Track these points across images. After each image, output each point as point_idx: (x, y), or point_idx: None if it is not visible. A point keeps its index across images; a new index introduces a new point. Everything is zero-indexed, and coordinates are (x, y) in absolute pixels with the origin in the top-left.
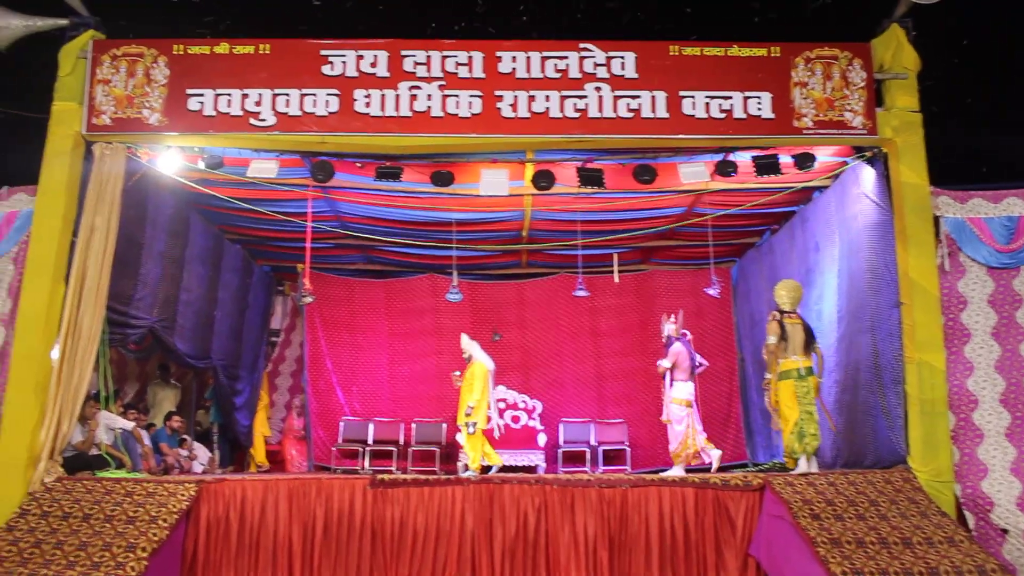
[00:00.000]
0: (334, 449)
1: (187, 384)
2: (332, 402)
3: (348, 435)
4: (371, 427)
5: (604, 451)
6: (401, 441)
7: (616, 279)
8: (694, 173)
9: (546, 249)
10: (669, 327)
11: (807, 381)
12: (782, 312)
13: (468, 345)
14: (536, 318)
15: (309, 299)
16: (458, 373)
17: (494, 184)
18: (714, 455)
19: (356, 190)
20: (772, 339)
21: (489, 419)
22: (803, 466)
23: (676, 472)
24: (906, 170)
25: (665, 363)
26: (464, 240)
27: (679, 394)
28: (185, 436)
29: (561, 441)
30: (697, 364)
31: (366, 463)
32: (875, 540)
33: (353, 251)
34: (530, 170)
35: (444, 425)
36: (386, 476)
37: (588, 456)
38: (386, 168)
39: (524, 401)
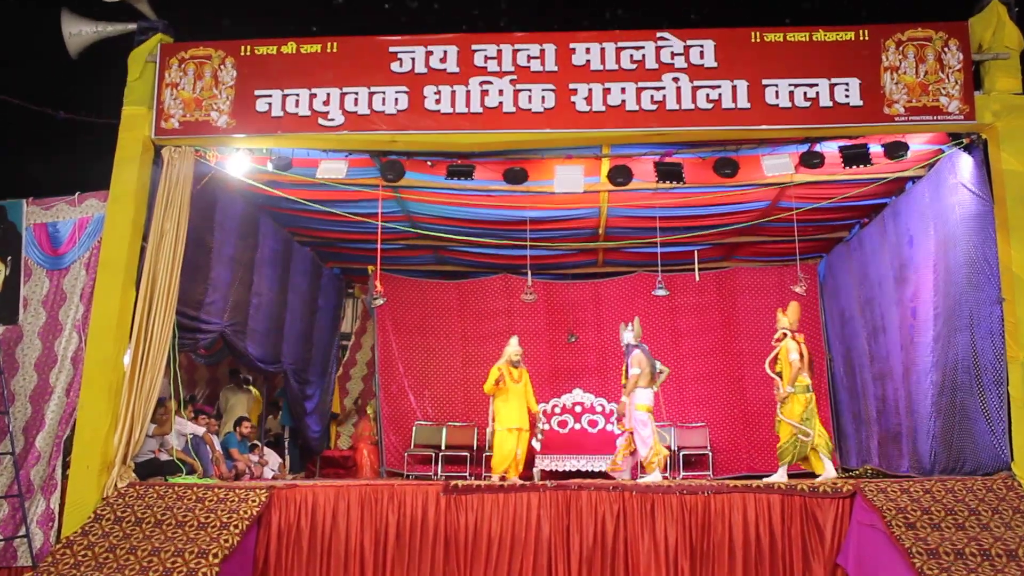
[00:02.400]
0: (407, 455)
1: (258, 388)
2: (404, 406)
3: (420, 440)
4: (444, 432)
5: (685, 456)
6: (475, 447)
7: (697, 277)
8: (778, 165)
9: (623, 247)
10: (628, 335)
11: (811, 396)
12: (791, 332)
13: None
14: (613, 318)
15: (380, 301)
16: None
17: (569, 181)
18: (653, 476)
19: (427, 189)
20: (797, 356)
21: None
22: (829, 468)
23: (653, 478)
24: (1008, 157)
25: (636, 370)
26: (538, 239)
27: (642, 400)
28: (256, 441)
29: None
30: (657, 371)
31: (439, 469)
32: (976, 552)
33: (424, 252)
34: (606, 165)
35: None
36: (459, 482)
37: (668, 461)
38: (457, 166)
39: (601, 405)
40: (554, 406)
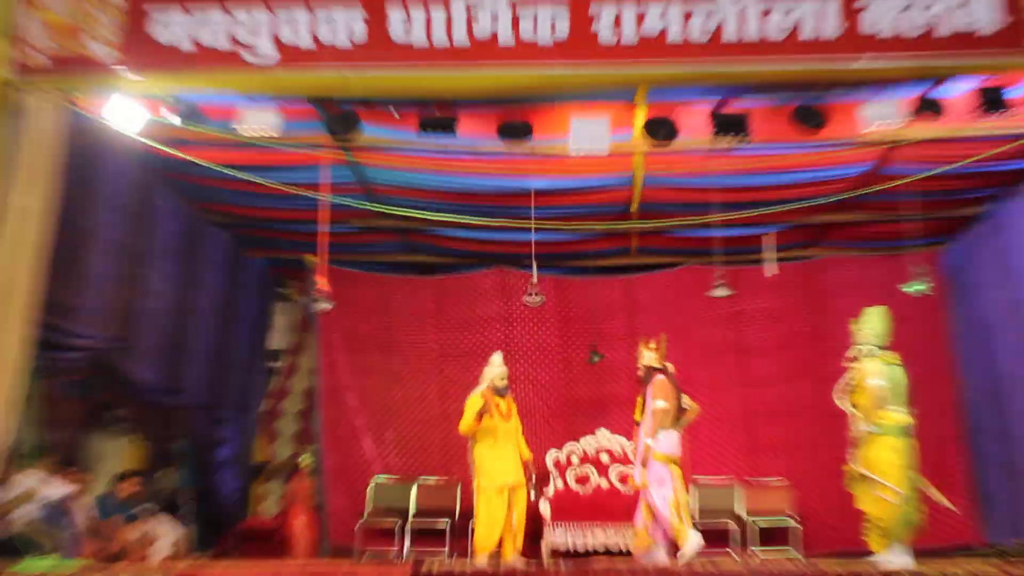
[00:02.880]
0: (360, 525)
1: (147, 431)
2: (357, 455)
3: (380, 503)
4: (414, 492)
5: (759, 526)
6: (457, 512)
7: (771, 271)
8: (881, 115)
9: (666, 229)
10: (649, 355)
11: (911, 442)
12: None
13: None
14: (652, 329)
15: (326, 306)
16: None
17: (589, 136)
18: (690, 542)
19: (392, 150)
20: (880, 381)
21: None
22: (897, 559)
23: (694, 546)
24: None
25: (662, 403)
26: (547, 218)
27: (666, 448)
28: (145, 505)
29: (695, 511)
30: (683, 407)
31: (406, 545)
32: None
33: (388, 236)
34: (641, 116)
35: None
36: (435, 564)
37: (734, 533)
38: (434, 118)
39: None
40: (570, 454)
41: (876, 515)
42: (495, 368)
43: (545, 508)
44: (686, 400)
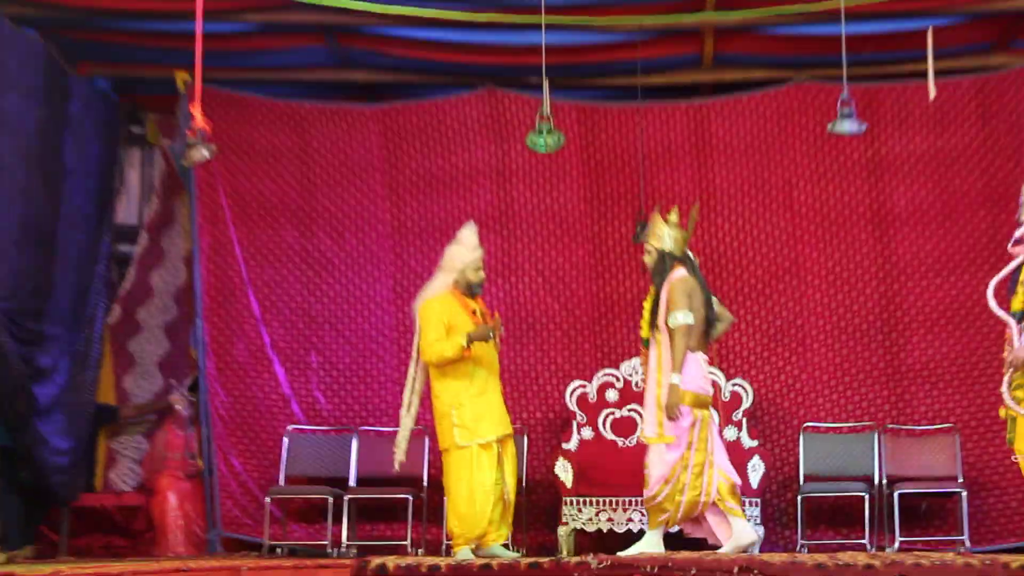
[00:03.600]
0: (269, 501)
1: None
2: (261, 393)
3: (301, 466)
4: (355, 448)
5: (904, 500)
6: (426, 478)
7: (932, 91)
8: None
9: (760, 25)
10: (667, 234)
11: None
12: None
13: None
14: (736, 185)
15: (206, 153)
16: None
17: None
18: (738, 530)
19: None
20: None
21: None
22: None
23: (650, 543)
24: None
25: (683, 315)
26: (567, 7)
27: (691, 380)
28: None
29: (801, 477)
30: (712, 317)
31: (345, 533)
32: None
33: (307, 39)
34: None
35: (525, 439)
36: (392, 563)
37: (867, 510)
38: None
39: (713, 380)
40: (604, 387)
41: None
42: (466, 250)
43: (564, 470)
44: (716, 305)
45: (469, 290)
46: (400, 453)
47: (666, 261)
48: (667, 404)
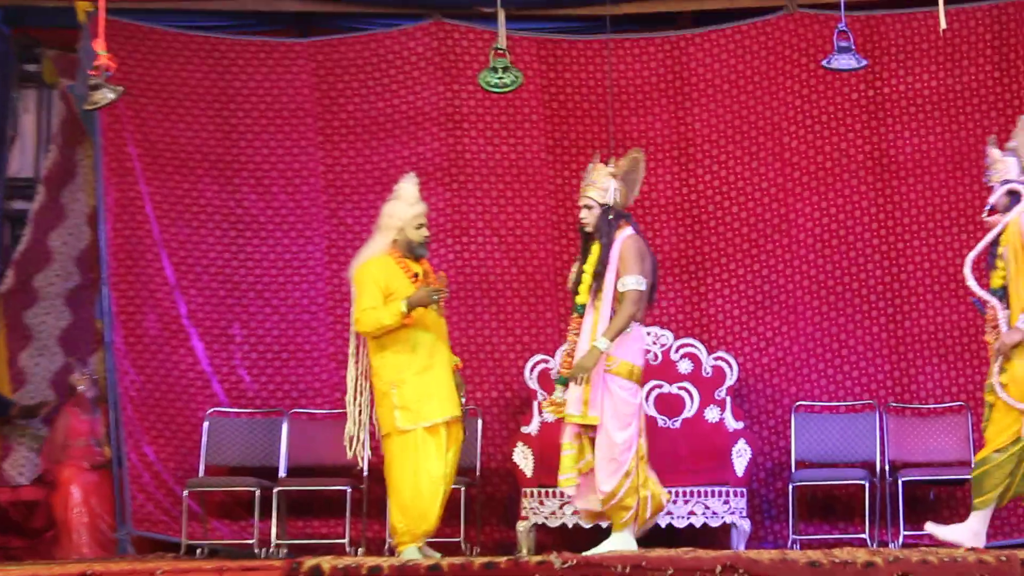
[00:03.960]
0: (187, 495)
1: None
2: (177, 371)
3: (223, 455)
4: (285, 433)
5: (910, 488)
6: (366, 468)
7: (943, 21)
8: None
9: None
10: (603, 185)
11: None
12: None
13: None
14: (718, 130)
15: (110, 95)
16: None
17: None
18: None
19: None
20: None
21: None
22: (973, 526)
23: (620, 543)
24: None
25: (634, 280)
26: None
27: (628, 354)
28: None
29: (793, 463)
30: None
31: (273, 529)
32: None
33: None
34: None
35: (479, 421)
36: (327, 564)
37: (867, 500)
38: None
39: (692, 353)
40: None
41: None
42: (405, 205)
43: (523, 457)
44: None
45: (411, 251)
46: (350, 450)
47: (611, 217)
48: (577, 364)
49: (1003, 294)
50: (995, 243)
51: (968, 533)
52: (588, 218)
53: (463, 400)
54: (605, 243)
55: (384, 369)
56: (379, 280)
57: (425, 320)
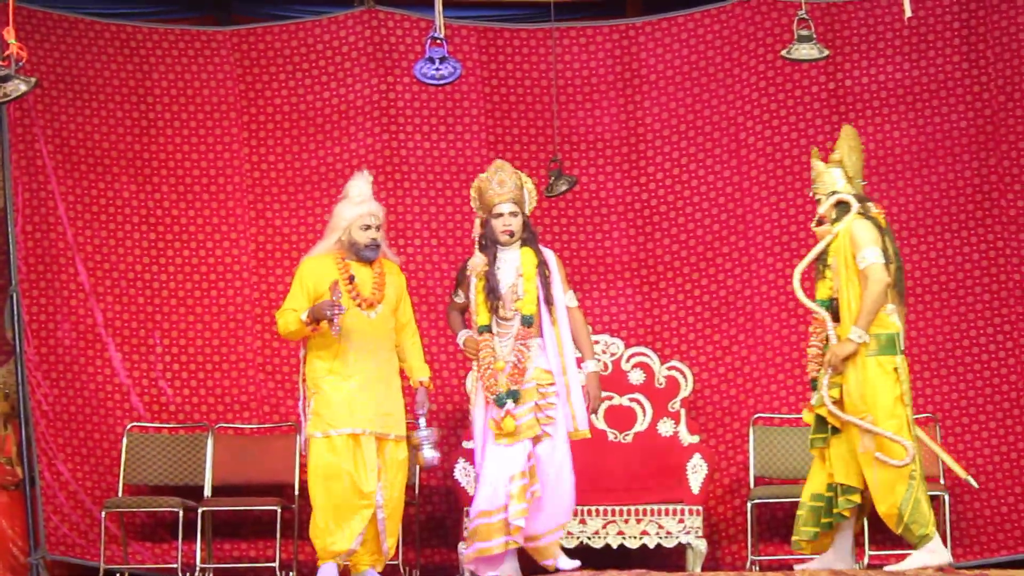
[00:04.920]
0: (104, 515)
1: None
2: (95, 382)
3: (144, 473)
4: (210, 449)
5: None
6: (296, 487)
7: (908, 9)
8: None
9: None
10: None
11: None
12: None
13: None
14: (670, 124)
15: (21, 87)
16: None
17: None
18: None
19: None
20: (874, 255)
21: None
22: (918, 562)
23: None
24: None
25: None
26: None
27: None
28: None
29: (752, 479)
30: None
31: (200, 553)
32: None
33: None
34: None
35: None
36: None
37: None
38: None
39: (644, 363)
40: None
41: (880, 492)
42: (350, 204)
43: (465, 474)
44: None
45: (356, 253)
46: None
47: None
48: (595, 396)
49: (830, 306)
50: (824, 254)
51: (929, 553)
52: (515, 225)
53: (422, 418)
54: (537, 249)
55: (309, 374)
56: (308, 280)
57: (353, 328)
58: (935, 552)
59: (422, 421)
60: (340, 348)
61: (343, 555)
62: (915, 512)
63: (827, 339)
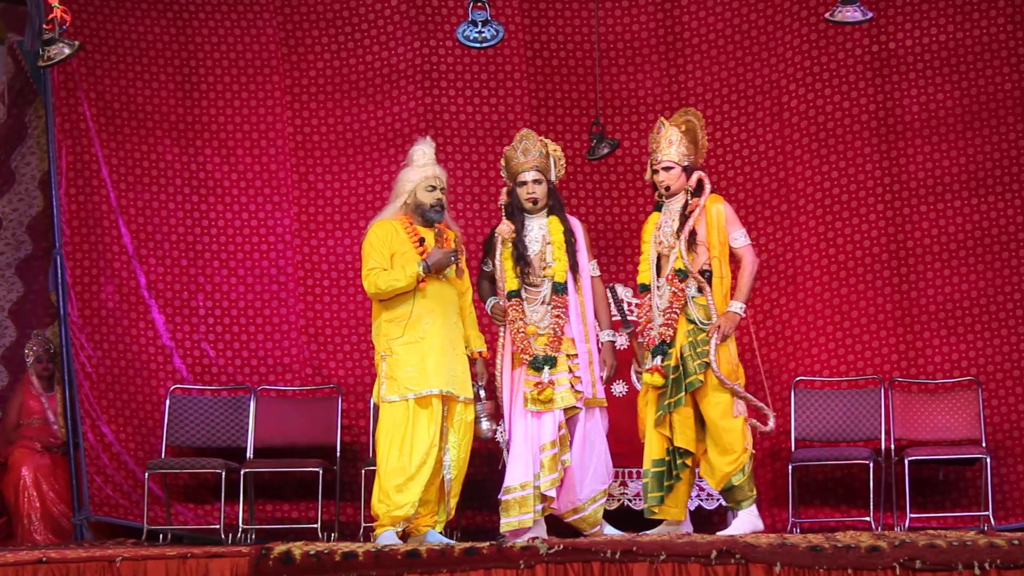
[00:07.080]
0: (148, 477)
1: None
2: (136, 344)
3: (187, 434)
4: (252, 412)
5: (917, 468)
6: (339, 449)
7: None
8: None
9: None
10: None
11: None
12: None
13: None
14: (713, 89)
15: (65, 51)
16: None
17: None
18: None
19: None
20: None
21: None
22: (743, 524)
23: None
24: None
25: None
26: None
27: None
28: None
29: (792, 442)
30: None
31: (242, 514)
32: None
33: None
34: None
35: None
36: (298, 550)
37: (872, 481)
38: None
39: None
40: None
41: (727, 455)
42: (414, 168)
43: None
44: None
45: (422, 216)
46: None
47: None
48: (611, 365)
49: (687, 276)
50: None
51: (755, 516)
52: (540, 192)
53: (480, 389)
54: (563, 217)
55: (378, 337)
56: (385, 240)
57: (425, 289)
58: (757, 516)
59: (481, 392)
60: (414, 310)
61: (406, 520)
62: (750, 476)
63: (685, 305)
